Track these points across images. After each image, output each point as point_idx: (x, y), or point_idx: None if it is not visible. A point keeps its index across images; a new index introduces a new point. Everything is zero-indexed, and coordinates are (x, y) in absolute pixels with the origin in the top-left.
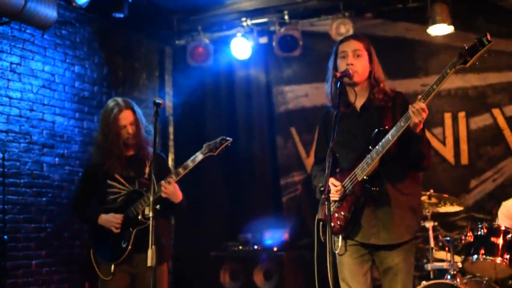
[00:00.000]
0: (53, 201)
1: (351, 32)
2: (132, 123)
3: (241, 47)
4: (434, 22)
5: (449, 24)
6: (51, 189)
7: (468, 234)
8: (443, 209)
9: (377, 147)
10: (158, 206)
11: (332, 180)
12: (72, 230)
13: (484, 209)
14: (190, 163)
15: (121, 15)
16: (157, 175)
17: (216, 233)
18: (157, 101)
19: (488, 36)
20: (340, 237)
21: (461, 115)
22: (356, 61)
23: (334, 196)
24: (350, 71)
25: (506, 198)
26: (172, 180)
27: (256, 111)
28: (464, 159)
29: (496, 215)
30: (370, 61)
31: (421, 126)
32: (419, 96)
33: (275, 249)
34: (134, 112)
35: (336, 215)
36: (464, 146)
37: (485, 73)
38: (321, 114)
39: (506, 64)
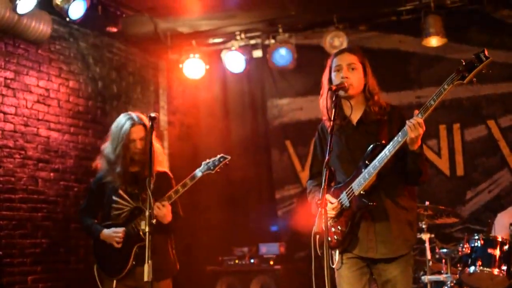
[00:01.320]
0: (48, 217)
1: (345, 44)
2: (142, 138)
3: (235, 61)
4: (428, 34)
5: (442, 36)
6: (46, 204)
7: (465, 246)
8: (439, 221)
9: (374, 162)
10: (154, 221)
11: (328, 197)
12: (68, 246)
13: (480, 221)
14: (188, 182)
15: (115, 30)
16: (160, 192)
17: (212, 247)
18: (152, 115)
19: (486, 52)
20: (337, 251)
21: (456, 126)
22: (351, 74)
23: (330, 213)
24: (346, 84)
25: (502, 209)
26: (166, 204)
27: (251, 124)
28: (460, 171)
29: (492, 226)
30: (365, 74)
31: (419, 142)
32: (416, 111)
33: (271, 262)
34: (145, 128)
35: (333, 229)
36: (459, 158)
37: (479, 84)
38: (316, 128)
39: (499, 75)
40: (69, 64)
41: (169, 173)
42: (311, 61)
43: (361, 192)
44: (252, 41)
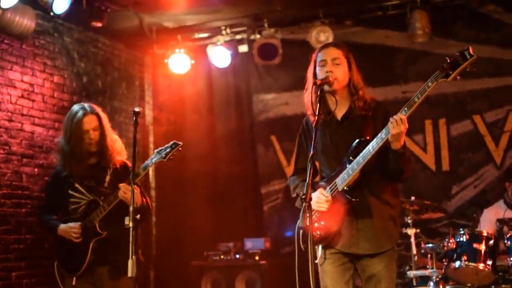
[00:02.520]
0: (32, 212)
1: (331, 39)
2: (95, 128)
3: (221, 56)
4: (413, 29)
5: (428, 31)
6: (31, 200)
7: (451, 241)
8: (425, 216)
9: (357, 158)
10: (138, 216)
11: (321, 191)
12: (52, 241)
13: (465, 215)
14: (141, 171)
15: (100, 25)
16: (119, 182)
17: (197, 242)
18: (136, 109)
19: (471, 50)
20: (320, 246)
21: (442, 121)
22: (336, 69)
23: (322, 206)
24: (330, 78)
25: (487, 204)
26: (134, 187)
27: (236, 119)
28: (445, 166)
29: (478, 221)
30: (349, 68)
31: (402, 142)
32: (402, 109)
33: (256, 257)
34: (98, 117)
35: (316, 224)
36: (445, 153)
37: (464, 79)
38: (301, 123)
39: (485, 71)
40: (54, 59)
41: (128, 163)
42: (296, 56)
43: (345, 188)
44: (238, 36)
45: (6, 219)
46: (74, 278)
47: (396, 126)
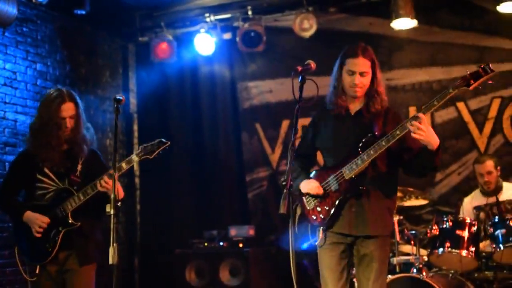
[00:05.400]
0: None
1: (314, 27)
2: (72, 116)
3: (205, 43)
4: (397, 16)
5: (412, 18)
6: None
7: (434, 228)
8: (408, 202)
9: (368, 150)
10: (119, 204)
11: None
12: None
13: (449, 203)
14: (124, 165)
15: (83, 12)
16: (91, 172)
17: (182, 230)
18: (118, 97)
19: (491, 66)
20: (321, 228)
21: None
22: (362, 79)
23: (316, 190)
24: (312, 65)
25: (471, 191)
26: (115, 174)
27: (221, 107)
28: None
29: (460, 209)
30: (374, 75)
31: (436, 142)
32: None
33: (240, 245)
34: (76, 105)
35: (319, 209)
36: None
37: (449, 66)
38: (287, 110)
39: (469, 58)
40: (37, 47)
41: (97, 151)
42: (281, 44)
43: (352, 176)
44: (222, 23)
45: None
46: (38, 266)
47: (417, 131)
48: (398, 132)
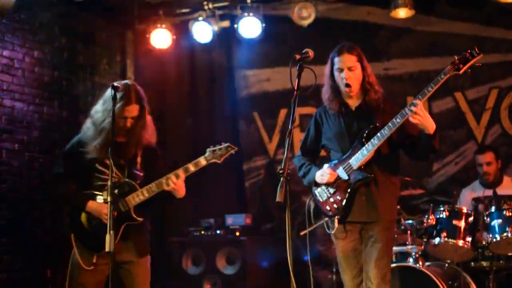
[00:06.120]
0: (13, 188)
1: (313, 16)
2: (133, 117)
3: (203, 31)
4: (396, 6)
5: (411, 8)
6: (11, 176)
7: (430, 217)
8: (405, 192)
9: (372, 140)
10: (116, 191)
11: (325, 167)
12: (33, 217)
13: (446, 192)
14: (191, 167)
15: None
16: (149, 166)
17: (178, 218)
18: (115, 84)
19: (476, 49)
20: (336, 219)
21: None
22: (352, 74)
23: (325, 178)
24: (310, 54)
25: (468, 181)
26: (182, 174)
27: (219, 95)
28: None
29: (457, 199)
30: (363, 68)
31: (433, 126)
32: (416, 97)
33: (237, 233)
34: (141, 107)
35: (332, 199)
36: None
37: (446, 56)
38: (284, 99)
39: (467, 48)
40: (35, 34)
41: (158, 149)
42: (279, 32)
43: (360, 166)
44: (220, 11)
45: None
46: (95, 256)
47: (416, 116)
48: (398, 119)
